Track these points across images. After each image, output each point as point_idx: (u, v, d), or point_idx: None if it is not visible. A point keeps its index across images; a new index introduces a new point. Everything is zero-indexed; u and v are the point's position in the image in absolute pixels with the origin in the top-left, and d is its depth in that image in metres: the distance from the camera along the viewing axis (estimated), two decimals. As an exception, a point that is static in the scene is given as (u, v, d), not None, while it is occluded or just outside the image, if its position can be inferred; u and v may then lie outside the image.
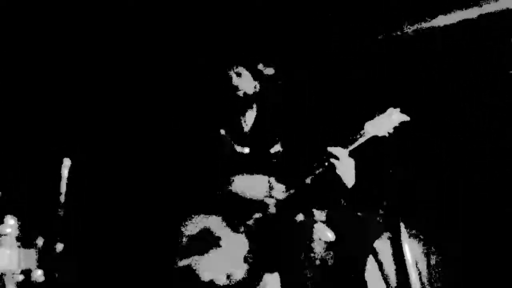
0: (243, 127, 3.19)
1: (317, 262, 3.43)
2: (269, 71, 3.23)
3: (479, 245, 3.65)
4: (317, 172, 2.90)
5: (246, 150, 3.12)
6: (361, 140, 2.95)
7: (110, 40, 4.05)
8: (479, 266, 3.63)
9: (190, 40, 3.99)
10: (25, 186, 4.06)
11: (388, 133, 2.98)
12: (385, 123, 2.99)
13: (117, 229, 4.06)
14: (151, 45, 4.10)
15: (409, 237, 3.69)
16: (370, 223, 3.72)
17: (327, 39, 3.86)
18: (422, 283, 3.63)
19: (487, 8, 3.53)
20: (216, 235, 2.87)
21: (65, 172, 3.59)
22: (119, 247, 4.04)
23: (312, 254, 3.31)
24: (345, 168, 2.88)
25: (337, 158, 2.86)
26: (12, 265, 3.53)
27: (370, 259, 3.67)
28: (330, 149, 2.90)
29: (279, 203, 2.91)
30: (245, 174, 3.01)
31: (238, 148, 3.12)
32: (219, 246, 2.86)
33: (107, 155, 4.19)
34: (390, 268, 3.65)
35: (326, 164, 2.88)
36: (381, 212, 3.74)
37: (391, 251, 3.67)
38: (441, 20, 3.65)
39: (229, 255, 2.84)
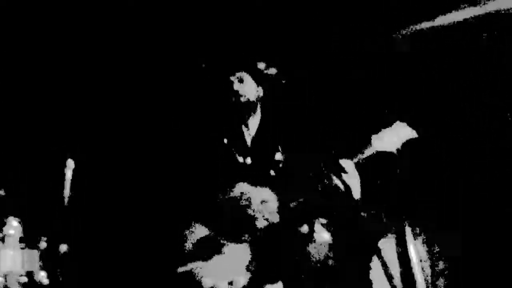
0: (245, 137, 3.18)
1: (320, 267, 3.46)
2: (272, 71, 3.23)
3: (483, 245, 3.67)
4: (324, 182, 2.90)
5: (249, 160, 3.11)
6: (368, 153, 2.95)
7: (111, 41, 4.04)
8: (483, 266, 3.64)
9: (192, 44, 3.98)
10: (28, 187, 4.05)
11: (397, 149, 2.98)
12: (392, 138, 2.98)
13: (120, 233, 4.07)
14: (153, 48, 4.09)
15: (414, 236, 3.70)
16: (374, 223, 3.73)
17: (327, 39, 3.85)
18: (427, 283, 3.65)
19: (487, 8, 3.52)
20: (220, 242, 2.88)
21: (68, 174, 3.58)
22: (122, 250, 4.05)
23: (314, 261, 3.34)
24: (351, 180, 2.89)
25: (344, 170, 2.87)
26: (16, 266, 3.52)
27: (375, 259, 3.69)
28: (340, 161, 2.91)
29: (283, 212, 2.92)
30: (247, 183, 3.01)
31: (241, 159, 3.11)
32: (222, 253, 2.86)
33: (114, 158, 4.19)
34: (395, 268, 3.67)
35: (333, 175, 2.89)
36: (385, 212, 3.76)
37: (396, 251, 3.69)
38: (441, 20, 3.64)
39: (231, 263, 2.85)
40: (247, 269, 2.84)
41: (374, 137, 3.00)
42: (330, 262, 3.58)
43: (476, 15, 3.56)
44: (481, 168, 3.65)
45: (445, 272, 3.76)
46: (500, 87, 3.62)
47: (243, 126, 3.19)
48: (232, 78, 3.15)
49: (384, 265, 3.69)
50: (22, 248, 3.59)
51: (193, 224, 2.95)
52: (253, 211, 2.92)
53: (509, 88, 3.58)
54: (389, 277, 3.67)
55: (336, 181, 2.91)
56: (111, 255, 4.08)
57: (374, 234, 3.71)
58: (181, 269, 2.86)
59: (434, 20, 3.66)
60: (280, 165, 3.10)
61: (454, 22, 3.60)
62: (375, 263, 3.69)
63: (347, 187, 2.91)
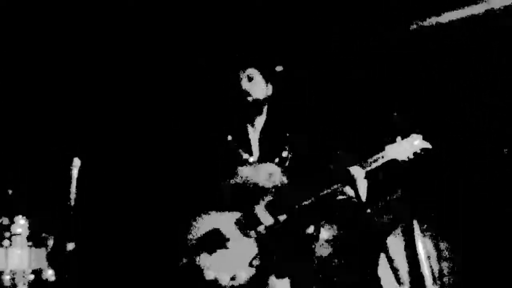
0: (249, 134, 3.16)
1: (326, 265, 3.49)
2: (279, 69, 3.22)
3: (490, 242, 3.67)
4: (333, 188, 2.92)
5: (252, 158, 3.13)
6: (380, 162, 2.96)
7: (112, 41, 4.06)
8: (490, 262, 3.65)
9: (192, 44, 4.00)
10: (35, 187, 4.09)
11: (408, 157, 2.99)
12: (406, 148, 2.99)
13: (125, 227, 4.11)
14: (159, 47, 4.11)
15: (422, 233, 3.71)
16: (381, 219, 3.75)
17: (327, 39, 3.84)
18: (434, 279, 3.66)
19: (486, 8, 3.50)
20: (225, 236, 2.88)
21: (75, 172, 3.59)
22: (127, 243, 4.10)
23: (320, 259, 3.36)
24: (360, 187, 2.90)
25: (354, 177, 2.89)
26: (23, 264, 3.60)
27: (383, 256, 3.71)
28: (350, 168, 2.92)
29: (291, 212, 2.93)
30: (252, 180, 3.04)
31: (245, 156, 3.12)
32: (227, 247, 2.87)
33: (122, 154, 4.22)
34: (402, 264, 3.68)
35: (342, 181, 2.91)
36: (393, 208, 3.77)
37: (404, 247, 3.70)
38: (441, 20, 3.62)
39: (235, 257, 2.85)
40: (250, 264, 2.85)
41: (388, 146, 3.00)
42: (336, 260, 3.62)
43: (476, 14, 3.53)
44: (481, 168, 3.65)
45: (452, 268, 3.77)
46: (500, 87, 3.59)
47: (249, 124, 3.17)
48: (241, 76, 3.11)
49: (392, 261, 3.71)
50: (29, 247, 3.68)
51: (197, 217, 2.97)
52: (262, 207, 2.94)
53: (509, 88, 3.55)
54: (396, 274, 3.69)
55: (344, 185, 2.92)
56: (116, 249, 4.13)
57: (381, 230, 3.72)
58: (184, 261, 2.88)
59: (434, 20, 3.63)
60: (286, 164, 3.10)
61: (454, 22, 3.57)
62: (382, 259, 3.71)
63: (354, 189, 2.92)
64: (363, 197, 2.91)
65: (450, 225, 3.77)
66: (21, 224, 3.68)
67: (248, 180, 3.00)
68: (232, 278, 2.82)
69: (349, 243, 3.69)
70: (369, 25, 3.76)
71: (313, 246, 3.12)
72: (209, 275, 2.83)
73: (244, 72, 3.11)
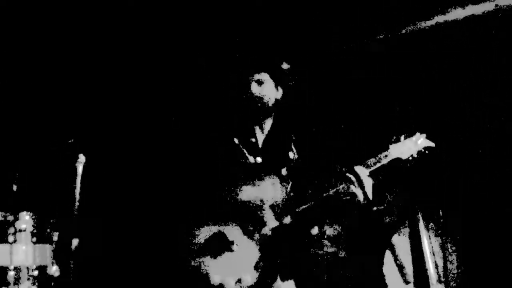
0: (257, 137, 3.16)
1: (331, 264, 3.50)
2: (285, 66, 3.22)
3: (495, 240, 3.66)
4: (337, 188, 2.93)
5: (259, 159, 3.12)
6: (384, 161, 2.97)
7: (114, 41, 4.08)
8: (494, 260, 3.64)
9: (193, 44, 4.01)
10: (39, 183, 4.13)
11: (412, 156, 3.00)
12: (410, 148, 2.99)
13: (131, 229, 4.13)
14: (159, 47, 4.13)
15: (427, 231, 3.70)
16: (387, 218, 3.75)
17: (327, 39, 3.84)
18: (439, 277, 3.66)
19: (486, 8, 3.48)
20: (230, 240, 2.89)
21: (79, 169, 3.57)
22: (132, 245, 4.12)
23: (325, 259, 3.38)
24: (365, 186, 2.91)
25: (358, 177, 2.89)
26: (28, 260, 3.59)
27: (388, 254, 3.72)
28: (357, 168, 2.92)
29: (295, 214, 2.93)
30: (257, 183, 3.03)
31: (251, 159, 3.11)
32: (232, 251, 2.87)
33: (128, 156, 4.24)
34: (407, 261, 3.69)
35: (346, 181, 2.91)
36: (398, 207, 3.77)
37: (409, 245, 3.70)
38: (441, 20, 3.61)
39: (240, 261, 2.86)
40: (255, 268, 2.86)
41: (392, 146, 2.99)
42: (341, 258, 3.63)
43: (476, 15, 3.52)
44: (481, 168, 3.64)
45: (457, 267, 3.77)
46: (500, 87, 3.58)
47: (257, 127, 3.17)
48: (251, 79, 3.11)
49: (397, 259, 3.71)
50: (34, 243, 3.66)
51: (202, 221, 2.97)
52: (266, 211, 2.95)
53: (509, 88, 3.54)
54: (402, 272, 3.70)
55: (349, 185, 2.92)
56: (121, 246, 4.15)
57: (387, 229, 3.73)
58: (190, 265, 2.89)
59: (434, 20, 3.62)
60: (292, 165, 3.10)
61: (454, 22, 3.56)
62: (388, 257, 3.72)
63: (359, 190, 2.92)
64: (368, 197, 2.92)
65: (455, 223, 3.77)
66: (25, 220, 3.66)
67: (251, 201, 3.01)
68: (238, 282, 2.83)
69: (354, 242, 3.69)
70: (369, 25, 3.75)
71: (318, 247, 3.13)
72: (215, 279, 2.84)
73: (253, 76, 3.11)
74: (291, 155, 3.10)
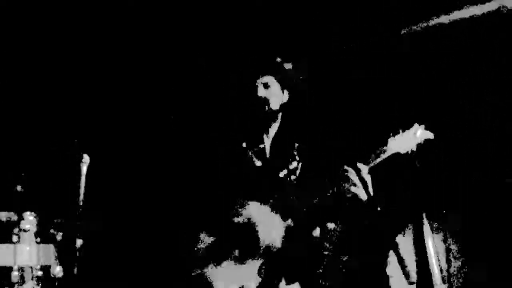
0: (264, 141, 3.17)
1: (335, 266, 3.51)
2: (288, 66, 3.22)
3: (499, 240, 3.66)
4: (338, 187, 2.92)
5: (265, 163, 3.12)
6: (383, 156, 2.94)
7: (114, 42, 4.09)
8: (498, 261, 3.64)
9: (194, 44, 4.02)
10: (44, 183, 4.14)
11: (411, 150, 2.97)
12: (409, 140, 2.97)
13: (134, 234, 4.15)
14: (159, 47, 4.14)
15: (432, 231, 3.70)
16: (391, 219, 3.75)
17: (327, 39, 3.84)
18: (443, 278, 3.66)
19: (486, 8, 3.46)
20: (232, 246, 2.90)
21: (83, 169, 3.61)
22: (135, 251, 4.14)
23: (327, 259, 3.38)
24: (364, 184, 2.90)
25: (359, 175, 2.89)
26: (32, 261, 3.61)
27: (392, 254, 3.72)
28: (357, 164, 2.91)
29: (297, 216, 2.94)
30: (260, 187, 3.03)
31: (258, 163, 3.12)
32: (234, 257, 2.88)
33: (131, 159, 4.25)
34: (411, 262, 3.69)
35: (347, 180, 2.91)
36: (403, 206, 3.77)
37: (413, 246, 3.70)
38: (441, 20, 3.60)
39: (243, 267, 2.87)
40: (258, 273, 2.86)
41: (390, 139, 2.98)
42: (345, 259, 3.64)
43: (476, 15, 3.50)
44: (481, 168, 3.63)
45: (461, 267, 3.77)
46: (500, 87, 3.57)
47: (264, 131, 3.18)
48: (257, 83, 3.11)
49: (401, 260, 3.71)
50: (38, 243, 3.68)
51: (207, 227, 2.97)
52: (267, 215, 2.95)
53: (509, 88, 3.52)
54: (406, 272, 3.70)
55: (350, 184, 2.91)
56: (124, 247, 4.17)
57: (391, 229, 3.73)
58: (193, 273, 2.90)
59: (434, 20, 3.61)
60: (297, 171, 3.09)
61: (454, 22, 3.55)
62: (392, 258, 3.72)
63: (360, 188, 2.91)
64: (369, 194, 2.91)
65: (459, 224, 3.76)
66: (29, 220, 3.67)
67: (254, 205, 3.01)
68: None
69: (357, 242, 3.70)
70: (369, 25, 3.74)
71: (321, 249, 3.13)
72: (219, 286, 2.86)
73: (259, 79, 3.11)
74: (296, 158, 3.10)
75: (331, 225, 3.42)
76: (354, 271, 3.68)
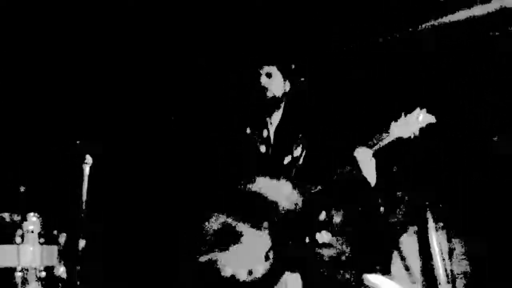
0: (268, 127, 3.21)
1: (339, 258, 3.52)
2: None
3: (505, 239, 3.65)
4: (341, 171, 2.94)
5: (269, 150, 3.15)
6: (386, 141, 2.95)
7: (114, 42, 4.10)
8: (502, 261, 3.64)
9: (195, 44, 4.02)
10: (47, 184, 4.16)
11: (414, 134, 2.97)
12: (411, 124, 2.96)
13: (140, 222, 4.16)
14: (159, 47, 4.14)
15: (436, 231, 3.70)
16: (396, 218, 3.76)
17: (327, 39, 3.84)
18: (447, 278, 3.66)
19: (486, 8, 3.45)
20: (239, 231, 2.94)
21: (86, 169, 3.56)
22: (142, 239, 4.16)
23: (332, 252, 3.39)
24: (368, 168, 2.92)
25: (361, 159, 2.90)
26: (35, 261, 3.64)
27: (396, 254, 3.72)
28: (356, 150, 2.94)
29: (302, 202, 2.97)
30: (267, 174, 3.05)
31: (262, 148, 3.17)
32: (241, 242, 2.92)
33: (135, 153, 4.26)
34: (415, 261, 3.69)
35: (350, 165, 2.92)
36: (407, 206, 3.77)
37: (418, 245, 3.70)
38: (440, 20, 3.59)
39: (250, 251, 2.91)
40: (266, 258, 2.90)
41: (393, 124, 2.97)
42: (348, 254, 3.64)
43: (476, 14, 3.49)
44: (481, 167, 3.62)
45: (466, 267, 3.76)
46: (500, 86, 3.55)
47: (268, 118, 3.22)
48: (261, 72, 3.18)
49: (405, 259, 3.71)
50: (41, 244, 3.71)
51: (213, 214, 3.01)
52: (273, 201, 2.98)
53: (509, 88, 3.51)
54: (410, 272, 3.70)
55: (354, 168, 2.93)
56: (128, 247, 4.18)
57: (395, 228, 3.73)
58: (202, 259, 2.94)
59: (434, 20, 3.60)
60: (301, 158, 3.12)
61: (454, 22, 3.53)
62: (396, 257, 3.72)
63: (363, 176, 2.93)
64: (372, 178, 2.94)
65: (464, 224, 3.76)
66: (33, 221, 3.70)
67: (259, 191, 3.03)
68: (250, 273, 2.88)
69: (362, 241, 3.71)
70: (369, 25, 3.74)
71: (325, 234, 3.14)
72: (227, 271, 2.90)
73: (262, 69, 3.17)
74: (299, 147, 3.13)
75: (336, 217, 3.43)
76: (357, 269, 3.69)
